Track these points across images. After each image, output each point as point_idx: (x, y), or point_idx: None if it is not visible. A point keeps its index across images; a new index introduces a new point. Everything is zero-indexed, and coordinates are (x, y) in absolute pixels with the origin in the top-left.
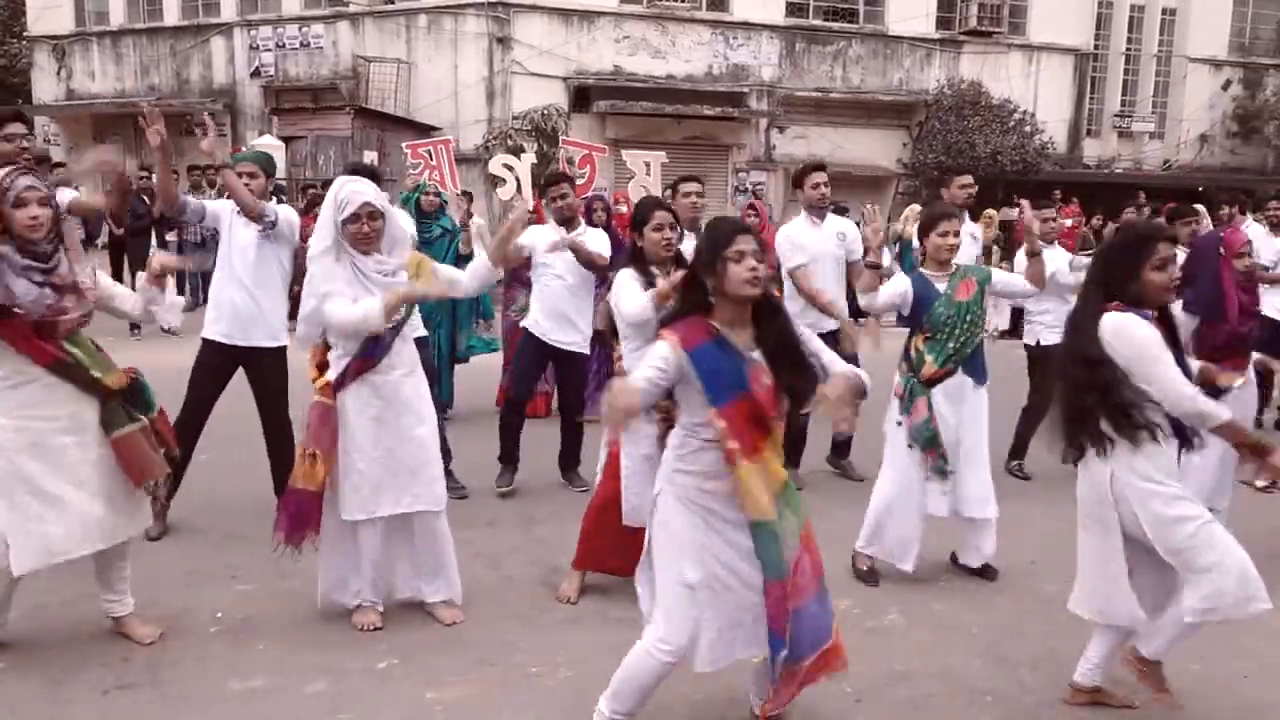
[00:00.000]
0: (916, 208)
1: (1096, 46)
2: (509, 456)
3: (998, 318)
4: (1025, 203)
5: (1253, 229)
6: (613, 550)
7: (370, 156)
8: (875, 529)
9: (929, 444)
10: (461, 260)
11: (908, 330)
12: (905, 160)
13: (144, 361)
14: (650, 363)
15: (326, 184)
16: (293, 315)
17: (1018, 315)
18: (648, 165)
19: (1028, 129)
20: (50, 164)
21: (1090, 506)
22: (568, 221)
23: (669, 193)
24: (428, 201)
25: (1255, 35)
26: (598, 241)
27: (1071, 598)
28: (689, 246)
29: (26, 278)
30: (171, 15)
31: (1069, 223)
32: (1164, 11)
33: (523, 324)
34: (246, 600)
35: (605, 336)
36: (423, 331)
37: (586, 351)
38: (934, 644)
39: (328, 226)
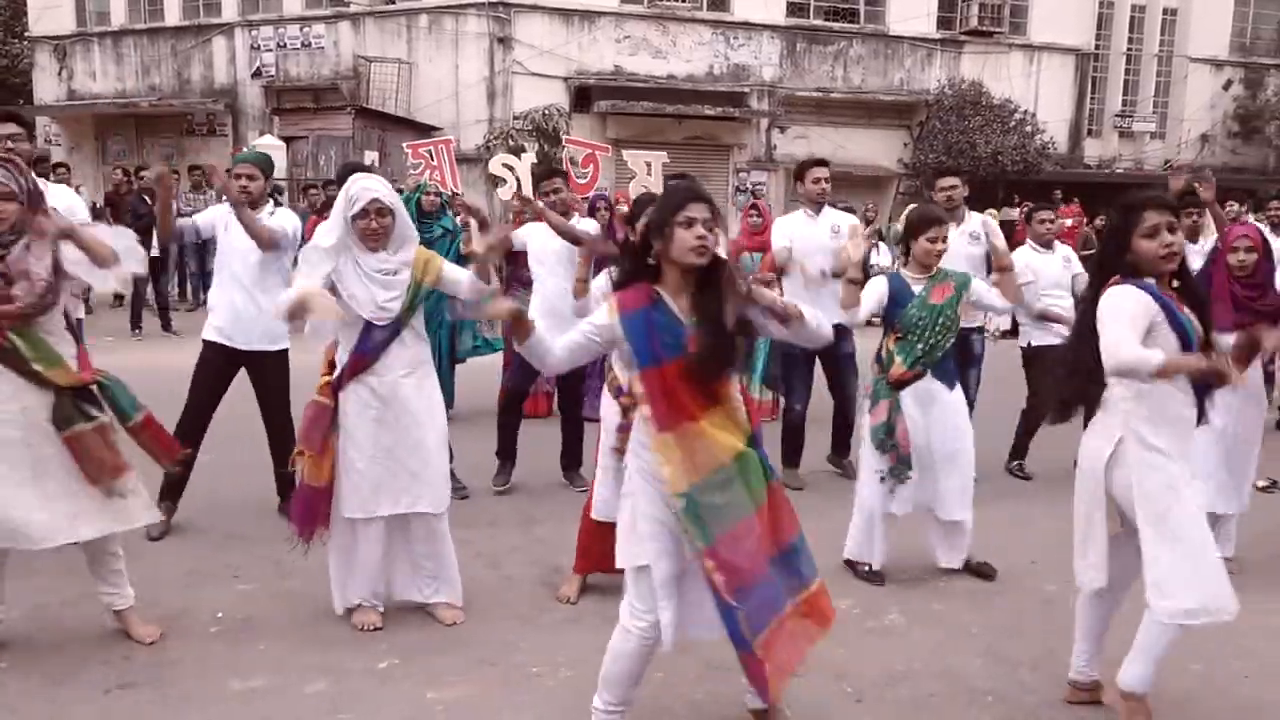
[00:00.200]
0: (916, 207)
1: (1097, 46)
2: (506, 453)
3: (999, 318)
4: (992, 221)
5: None
6: (610, 552)
7: (371, 156)
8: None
9: (882, 446)
10: (463, 260)
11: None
12: (906, 160)
13: (144, 361)
14: (585, 323)
15: (327, 184)
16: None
17: None
18: (649, 165)
19: (1029, 129)
20: (52, 165)
21: (1084, 479)
22: (562, 216)
23: None
24: (428, 201)
25: (1256, 35)
26: (588, 228)
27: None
28: None
29: None
30: (173, 15)
31: (1069, 223)
32: (1165, 11)
33: None
34: (247, 600)
35: None
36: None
37: None
38: (934, 644)
39: (338, 221)
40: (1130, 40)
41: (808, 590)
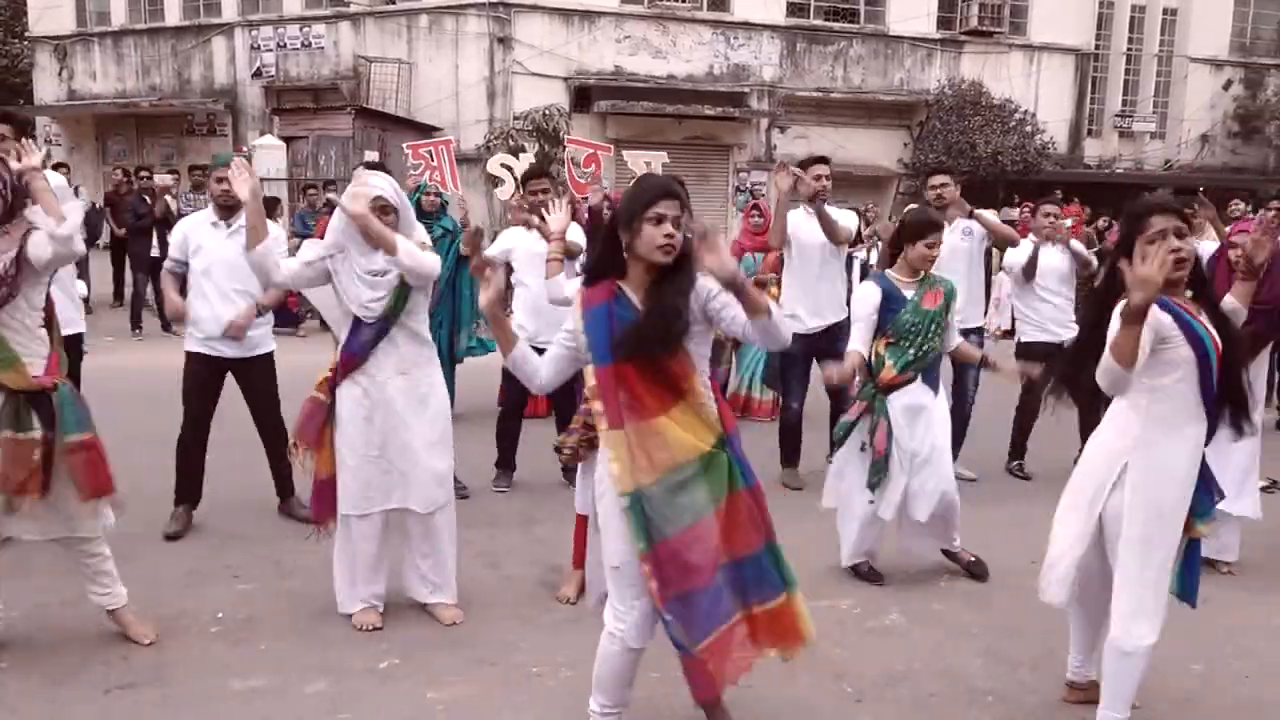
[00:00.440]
0: (913, 211)
1: (1097, 46)
2: (505, 462)
3: (998, 317)
4: (983, 213)
5: None
6: None
7: (371, 157)
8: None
9: (840, 442)
10: (462, 261)
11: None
12: (906, 160)
13: (144, 361)
14: (561, 332)
15: (327, 184)
16: (284, 323)
17: None
18: (649, 165)
19: (1029, 129)
20: (53, 165)
21: (1082, 479)
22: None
23: None
24: (429, 202)
25: (1256, 35)
26: (574, 234)
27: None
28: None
29: None
30: (173, 15)
31: (1069, 222)
32: (1165, 11)
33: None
34: (247, 600)
35: None
36: None
37: None
38: (934, 644)
39: (341, 216)
40: (1130, 40)
41: (766, 606)
